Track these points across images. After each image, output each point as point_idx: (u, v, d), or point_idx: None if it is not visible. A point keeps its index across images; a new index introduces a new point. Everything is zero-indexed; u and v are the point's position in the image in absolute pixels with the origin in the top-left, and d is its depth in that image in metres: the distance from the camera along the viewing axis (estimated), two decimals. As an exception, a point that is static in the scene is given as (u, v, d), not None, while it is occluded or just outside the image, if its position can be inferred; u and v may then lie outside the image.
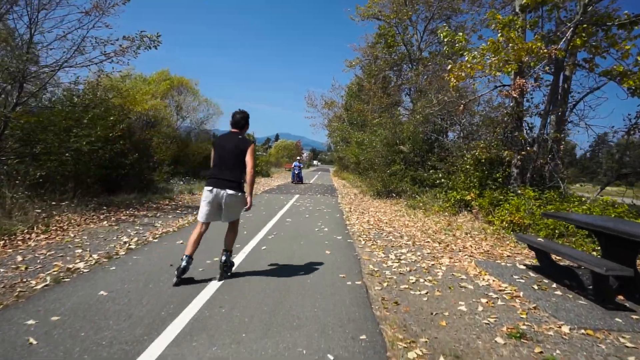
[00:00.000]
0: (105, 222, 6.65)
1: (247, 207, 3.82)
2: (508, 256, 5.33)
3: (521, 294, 3.62)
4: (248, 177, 3.74)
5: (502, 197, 8.01)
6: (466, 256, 5.21)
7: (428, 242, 6.13)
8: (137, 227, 6.36)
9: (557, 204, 6.90)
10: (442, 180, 10.39)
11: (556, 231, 6.46)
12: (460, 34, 7.67)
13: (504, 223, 7.20)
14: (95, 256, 4.45)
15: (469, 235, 6.78)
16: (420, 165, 12.91)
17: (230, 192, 3.66)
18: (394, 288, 3.75)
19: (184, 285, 3.52)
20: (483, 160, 8.78)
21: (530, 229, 6.96)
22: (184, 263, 3.58)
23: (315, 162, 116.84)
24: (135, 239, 5.44)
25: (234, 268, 4.11)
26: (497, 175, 8.63)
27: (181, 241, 5.39)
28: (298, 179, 21.08)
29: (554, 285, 3.91)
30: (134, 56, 8.53)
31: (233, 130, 3.95)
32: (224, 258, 3.86)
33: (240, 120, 3.95)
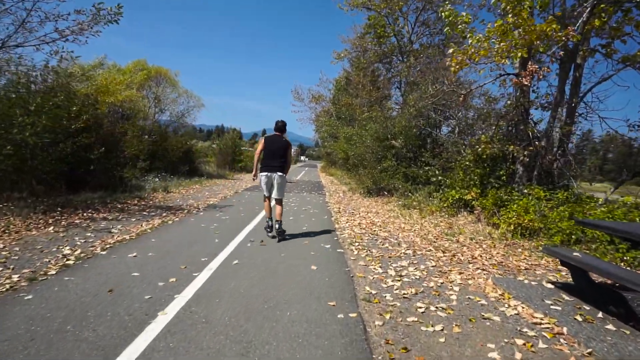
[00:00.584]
0: (52, 227, 5.63)
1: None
2: (526, 269, 4.53)
3: (564, 330, 2.79)
4: (288, 166, 5.76)
5: (507, 197, 7.24)
6: (479, 270, 4.39)
7: (430, 250, 5.29)
8: (89, 234, 5.36)
9: (573, 206, 6.14)
10: (439, 177, 9.58)
11: (572, 236, 5.70)
12: (464, 13, 6.82)
13: (511, 226, 6.43)
14: (15, 277, 3.47)
15: (474, 241, 5.97)
16: (413, 162, 12.10)
17: (279, 173, 5.55)
18: (400, 322, 2.88)
19: (116, 327, 2.58)
20: (485, 157, 7.99)
21: (541, 233, 6.19)
22: (268, 222, 5.73)
23: (302, 157, 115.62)
24: (79, 250, 4.45)
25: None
26: (501, 172, 7.85)
27: (135, 254, 4.41)
28: None
29: (600, 314, 3.09)
30: (93, 34, 7.47)
31: (276, 133, 5.72)
32: (277, 226, 5.52)
33: (282, 127, 5.78)
